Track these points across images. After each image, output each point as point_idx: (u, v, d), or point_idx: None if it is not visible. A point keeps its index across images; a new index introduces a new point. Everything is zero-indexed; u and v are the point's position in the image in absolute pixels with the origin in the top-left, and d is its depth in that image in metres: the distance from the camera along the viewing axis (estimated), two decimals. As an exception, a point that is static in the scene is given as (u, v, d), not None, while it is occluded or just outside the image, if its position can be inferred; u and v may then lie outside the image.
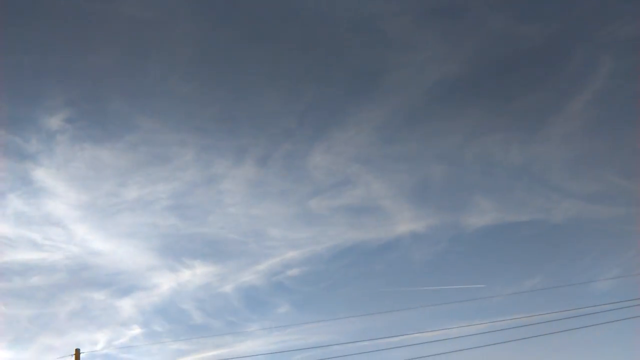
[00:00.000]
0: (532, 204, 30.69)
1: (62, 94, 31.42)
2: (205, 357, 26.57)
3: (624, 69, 29.33)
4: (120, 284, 32.48)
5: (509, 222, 30.93)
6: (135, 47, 31.95)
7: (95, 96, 32.10)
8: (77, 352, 17.78)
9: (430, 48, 31.73)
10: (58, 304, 31.29)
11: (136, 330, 31.28)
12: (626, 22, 29.04)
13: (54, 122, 30.26)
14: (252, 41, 32.40)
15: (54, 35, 31.34)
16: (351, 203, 33.00)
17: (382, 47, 31.75)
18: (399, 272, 31.66)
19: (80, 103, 31.92)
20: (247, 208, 33.63)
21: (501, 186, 31.90)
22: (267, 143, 33.42)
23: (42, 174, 30.76)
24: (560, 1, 30.08)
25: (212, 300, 32.36)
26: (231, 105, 33.78)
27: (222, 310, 32.17)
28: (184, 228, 32.98)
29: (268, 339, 28.12)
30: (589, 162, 30.96)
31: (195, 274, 32.58)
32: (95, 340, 30.80)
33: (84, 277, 32.44)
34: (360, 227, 32.90)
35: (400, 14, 31.05)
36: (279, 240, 32.73)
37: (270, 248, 32.77)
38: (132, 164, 32.68)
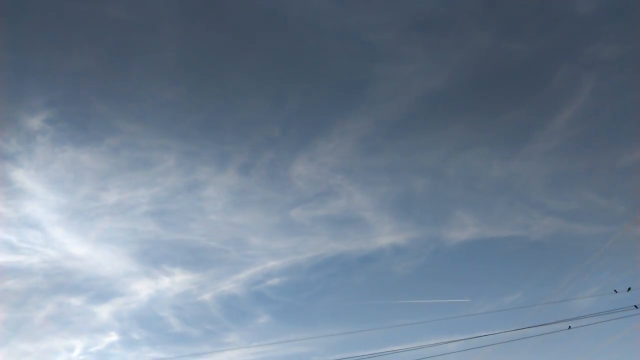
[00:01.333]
0: (512, 220, 30.95)
1: (44, 94, 30.93)
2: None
3: (606, 89, 29.78)
4: (97, 289, 32.02)
5: (489, 238, 31.15)
6: (119, 49, 31.60)
7: (77, 98, 31.65)
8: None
9: (416, 61, 31.92)
10: (34, 308, 30.73)
11: (113, 338, 30.83)
12: (609, 43, 29.52)
13: (35, 122, 29.81)
14: (237, 48, 32.28)
15: (36, 35, 30.87)
16: (333, 214, 32.97)
17: (367, 58, 31.85)
18: (379, 285, 31.69)
19: (61, 104, 31.44)
20: (229, 216, 33.40)
21: (482, 201, 32.14)
22: (251, 151, 33.26)
23: (21, 175, 30.27)
24: (544, 20, 30.47)
25: (191, 309, 32.05)
26: (215, 111, 33.57)
27: (201, 319, 31.87)
28: (164, 234, 32.65)
29: (247, 349, 27.83)
30: (569, 180, 31.32)
31: (175, 282, 32.25)
32: (71, 347, 30.27)
33: (60, 281, 31.91)
34: (341, 238, 32.87)
35: (386, 26, 31.20)
36: (260, 250, 32.57)
37: (250, 257, 32.58)
38: (112, 168, 32.28)
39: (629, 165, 29.03)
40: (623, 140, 29.18)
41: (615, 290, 19.87)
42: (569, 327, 17.30)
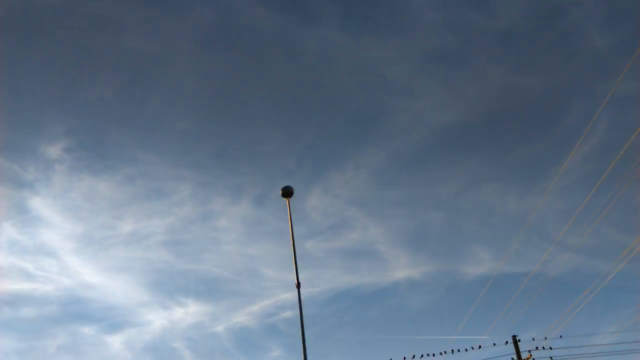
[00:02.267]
0: (528, 255, 30.47)
1: (62, 123, 31.52)
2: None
3: (622, 124, 29.54)
4: (111, 319, 31.95)
5: (505, 273, 30.63)
6: (137, 80, 32.22)
7: (94, 127, 32.23)
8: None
9: (430, 95, 32.05)
10: (47, 336, 30.69)
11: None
12: (625, 79, 29.32)
13: (53, 151, 30.28)
14: (253, 80, 32.74)
15: (56, 65, 31.64)
16: (347, 246, 32.75)
17: (382, 92, 32.06)
18: (394, 319, 31.16)
19: (79, 133, 32.00)
20: (243, 247, 33.34)
21: (498, 236, 31.74)
22: (265, 182, 33.37)
23: (38, 203, 30.61)
24: (559, 55, 30.53)
25: (204, 340, 31.75)
26: (230, 143, 33.89)
27: (214, 351, 31.51)
28: (177, 264, 32.65)
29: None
30: (586, 215, 30.85)
31: (188, 312, 32.06)
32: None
33: (74, 310, 31.94)
34: (355, 271, 32.57)
35: (401, 60, 31.47)
36: (274, 281, 32.34)
37: (264, 289, 32.35)
38: (128, 197, 32.57)
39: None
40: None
41: None
42: None
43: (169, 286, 32.59)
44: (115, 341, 31.23)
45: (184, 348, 31.08)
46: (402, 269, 31.64)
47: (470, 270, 30.52)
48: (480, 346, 16.07)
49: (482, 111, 32.54)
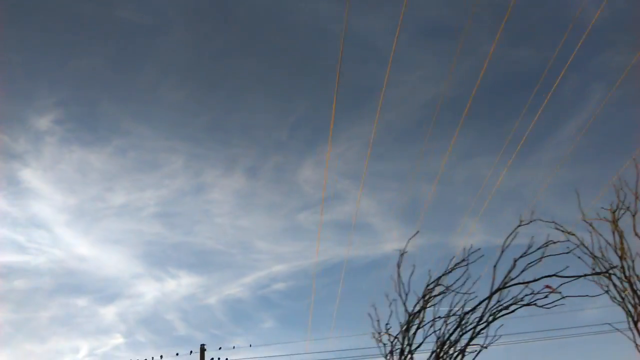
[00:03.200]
0: (520, 228, 30.78)
1: (53, 94, 31.15)
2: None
3: (615, 98, 29.57)
4: (104, 291, 32.12)
5: (496, 246, 30.96)
6: (128, 51, 31.79)
7: (85, 99, 31.86)
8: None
9: (424, 67, 31.87)
10: (40, 308, 30.84)
11: (118, 339, 30.84)
12: (617, 52, 29.34)
13: (43, 122, 29.97)
14: (246, 52, 32.39)
15: (46, 36, 31.12)
16: (340, 219, 32.87)
17: (375, 64, 31.85)
18: (386, 291, 31.55)
19: (70, 105, 31.65)
20: (235, 219, 33.44)
21: (490, 209, 31.92)
22: (258, 154, 33.32)
23: (28, 175, 30.43)
24: (553, 28, 30.33)
25: (197, 312, 32.05)
26: (222, 115, 33.68)
27: (207, 323, 31.85)
28: (170, 236, 32.74)
29: (253, 353, 27.72)
30: (577, 189, 31.09)
31: (180, 284, 32.29)
32: (76, 348, 30.32)
33: (67, 282, 32.05)
34: (348, 244, 32.80)
35: (394, 32, 31.13)
36: (266, 253, 32.56)
37: (256, 261, 32.58)
38: (119, 169, 32.43)
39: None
40: (632, 150, 28.95)
41: None
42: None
43: (161, 258, 32.75)
44: (109, 313, 31.49)
45: (177, 319, 31.39)
46: (393, 241, 31.92)
47: (462, 243, 30.82)
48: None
49: (474, 84, 32.45)
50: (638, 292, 9.00)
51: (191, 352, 22.05)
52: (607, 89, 29.96)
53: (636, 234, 9.45)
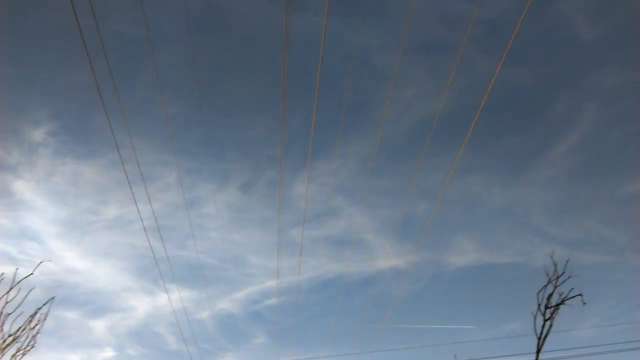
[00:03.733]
0: (513, 246, 30.73)
1: (47, 107, 31.08)
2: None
3: (608, 117, 29.79)
4: (95, 304, 31.77)
5: (490, 264, 30.91)
6: (122, 64, 31.75)
7: (79, 111, 31.79)
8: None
9: (418, 84, 32.03)
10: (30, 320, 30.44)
11: (109, 353, 30.50)
12: (611, 71, 29.61)
13: (37, 134, 29.85)
14: (240, 66, 32.45)
15: (40, 47, 31.11)
16: (333, 235, 32.77)
17: (370, 80, 31.97)
18: (379, 308, 31.31)
19: (64, 117, 31.55)
20: (228, 234, 33.25)
21: (483, 227, 31.96)
22: (251, 169, 33.25)
23: (21, 187, 30.21)
24: (547, 47, 30.61)
25: (188, 326, 31.73)
26: (216, 129, 33.64)
27: (198, 337, 31.51)
28: (162, 250, 32.44)
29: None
30: (570, 207, 31.17)
31: (172, 299, 31.96)
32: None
33: (58, 294, 31.65)
34: (341, 260, 32.64)
35: (389, 48, 31.34)
36: (259, 268, 32.35)
37: (249, 276, 32.36)
38: (113, 182, 32.25)
39: (631, 195, 28.90)
40: (625, 169, 29.10)
41: None
42: None
43: (153, 272, 32.50)
44: (99, 326, 31.16)
45: (168, 334, 31.07)
46: (387, 258, 31.79)
47: (455, 261, 30.78)
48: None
49: (469, 101, 32.60)
50: None
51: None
52: (599, 107, 30.16)
53: None
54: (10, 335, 14.54)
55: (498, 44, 31.36)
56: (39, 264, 15.51)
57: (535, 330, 15.83)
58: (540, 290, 15.74)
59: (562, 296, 15.77)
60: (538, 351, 15.16)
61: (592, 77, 30.50)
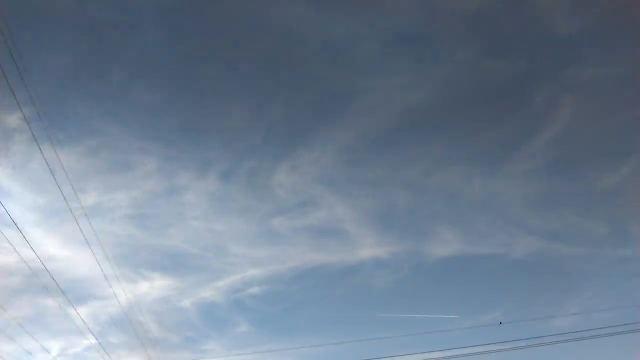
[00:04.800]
0: (493, 237, 31.07)
1: (22, 91, 30.57)
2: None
3: (586, 111, 30.17)
4: (75, 291, 31.40)
5: (470, 254, 31.22)
6: (99, 49, 31.37)
7: (56, 96, 31.35)
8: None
9: (398, 75, 32.09)
10: (11, 308, 30.11)
11: (90, 340, 30.25)
12: (589, 65, 29.95)
13: (12, 120, 29.32)
14: (220, 53, 32.21)
15: (15, 30, 30.50)
16: (314, 224, 32.86)
17: (350, 70, 31.96)
18: (359, 297, 31.53)
19: (40, 102, 31.05)
20: (209, 222, 33.14)
21: (463, 218, 32.24)
22: (232, 158, 33.12)
23: (-3, 173, 29.75)
24: (525, 39, 30.83)
25: (171, 315, 31.67)
26: (196, 116, 33.41)
27: (180, 325, 31.50)
28: (142, 238, 32.29)
29: (226, 357, 27.49)
30: (549, 199, 31.57)
31: (154, 287, 31.88)
32: (47, 348, 29.64)
33: (38, 282, 31.29)
34: (322, 249, 32.77)
35: (369, 38, 31.36)
36: (240, 257, 32.32)
37: (231, 264, 32.31)
38: (91, 169, 31.93)
39: (609, 187, 29.36)
40: (603, 161, 29.53)
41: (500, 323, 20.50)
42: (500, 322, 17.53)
43: (134, 260, 32.29)
44: (80, 313, 30.91)
45: (151, 322, 30.96)
46: (368, 248, 31.98)
47: (436, 251, 31.03)
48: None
49: (449, 92, 32.77)
50: None
51: None
52: (578, 101, 30.52)
53: None
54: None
55: (478, 37, 31.54)
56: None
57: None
58: None
59: None
60: None
61: (570, 70, 30.84)
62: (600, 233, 28.82)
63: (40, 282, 31.45)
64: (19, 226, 31.01)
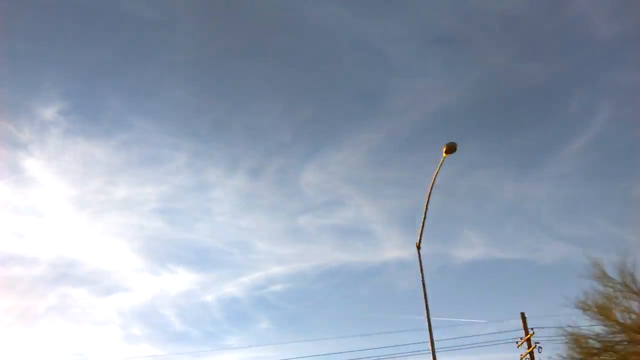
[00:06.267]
0: (521, 242, 30.53)
1: (59, 85, 31.19)
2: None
3: (623, 116, 29.48)
4: (101, 283, 31.93)
5: (497, 259, 30.72)
6: (135, 45, 31.77)
7: (91, 91, 31.89)
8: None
9: (431, 76, 31.76)
10: (37, 297, 30.71)
11: (114, 331, 30.67)
12: (627, 70, 29.24)
13: (49, 113, 29.98)
14: (253, 52, 32.39)
15: (54, 26, 31.19)
16: (340, 224, 32.73)
17: (382, 70, 31.75)
18: (383, 298, 31.25)
19: (76, 96, 31.70)
20: (235, 219, 33.32)
21: (491, 221, 31.77)
22: (261, 155, 33.24)
23: (32, 164, 30.42)
24: (563, 43, 30.27)
25: (193, 309, 31.85)
26: (227, 113, 33.63)
27: (202, 320, 31.64)
28: (170, 232, 32.59)
29: (247, 353, 27.56)
30: (580, 205, 30.92)
31: (178, 280, 32.11)
32: (72, 337, 30.16)
33: (65, 272, 31.87)
34: (347, 249, 32.60)
35: (403, 39, 31.13)
36: (265, 254, 32.37)
37: (255, 261, 32.38)
38: (123, 163, 32.40)
39: (642, 195, 28.58)
40: (637, 169, 28.80)
41: None
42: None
43: (160, 253, 32.59)
44: (105, 304, 31.35)
45: (174, 315, 31.22)
46: (393, 249, 31.68)
47: (462, 254, 30.59)
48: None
49: (482, 95, 32.37)
50: None
51: None
52: (614, 106, 29.79)
53: None
54: None
55: (513, 39, 31.06)
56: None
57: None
58: None
59: None
60: None
61: (607, 75, 30.14)
62: (631, 241, 28.14)
63: (67, 271, 32.06)
64: (49, 216, 31.66)
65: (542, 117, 31.43)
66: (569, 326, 14.23)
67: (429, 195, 10.75)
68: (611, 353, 13.85)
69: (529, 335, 15.26)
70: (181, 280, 32.04)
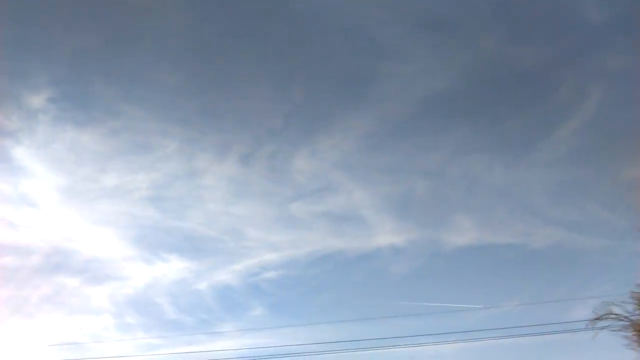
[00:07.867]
0: (512, 227, 30.66)
1: (47, 72, 30.78)
2: (176, 353, 26.19)
3: (613, 100, 29.49)
4: (94, 271, 31.86)
5: (488, 244, 30.85)
6: (124, 31, 31.34)
7: (80, 78, 31.51)
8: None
9: (421, 60, 31.59)
10: (30, 286, 30.64)
11: (107, 320, 30.71)
12: (617, 53, 29.20)
13: (37, 100, 29.64)
14: (242, 37, 32.02)
15: (41, 12, 30.67)
16: (332, 210, 32.74)
17: (372, 54, 31.54)
18: (375, 284, 31.38)
19: (64, 83, 31.29)
20: (227, 206, 33.22)
21: (483, 207, 31.85)
22: (252, 141, 33.05)
23: (21, 153, 30.15)
24: (553, 27, 30.15)
25: (186, 297, 31.88)
26: (217, 99, 33.32)
27: (196, 307, 31.68)
28: (161, 220, 32.48)
29: (241, 340, 27.68)
30: (572, 190, 31.03)
31: (171, 269, 32.11)
32: (65, 327, 30.19)
33: (58, 261, 31.76)
34: (340, 235, 32.64)
35: (393, 22, 30.88)
36: (258, 241, 32.36)
37: (248, 248, 32.39)
38: (112, 150, 32.15)
39: (634, 179, 28.67)
40: (629, 153, 28.85)
41: None
42: None
43: (152, 241, 32.51)
44: (98, 293, 31.35)
45: (167, 304, 31.26)
46: (385, 235, 31.72)
47: (454, 239, 30.69)
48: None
49: (472, 79, 32.23)
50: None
51: None
52: (605, 90, 29.79)
53: None
54: None
55: (504, 23, 30.91)
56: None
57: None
58: None
59: None
60: None
61: (597, 59, 30.10)
62: (622, 225, 28.22)
63: (60, 261, 31.97)
64: (40, 205, 31.49)
65: (533, 101, 31.40)
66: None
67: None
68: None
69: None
70: (174, 268, 32.05)
